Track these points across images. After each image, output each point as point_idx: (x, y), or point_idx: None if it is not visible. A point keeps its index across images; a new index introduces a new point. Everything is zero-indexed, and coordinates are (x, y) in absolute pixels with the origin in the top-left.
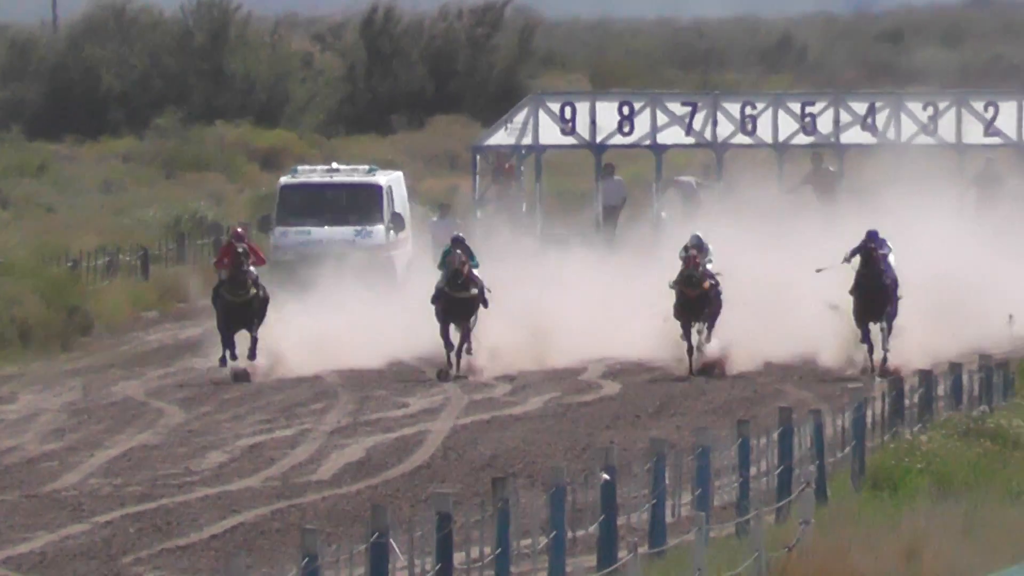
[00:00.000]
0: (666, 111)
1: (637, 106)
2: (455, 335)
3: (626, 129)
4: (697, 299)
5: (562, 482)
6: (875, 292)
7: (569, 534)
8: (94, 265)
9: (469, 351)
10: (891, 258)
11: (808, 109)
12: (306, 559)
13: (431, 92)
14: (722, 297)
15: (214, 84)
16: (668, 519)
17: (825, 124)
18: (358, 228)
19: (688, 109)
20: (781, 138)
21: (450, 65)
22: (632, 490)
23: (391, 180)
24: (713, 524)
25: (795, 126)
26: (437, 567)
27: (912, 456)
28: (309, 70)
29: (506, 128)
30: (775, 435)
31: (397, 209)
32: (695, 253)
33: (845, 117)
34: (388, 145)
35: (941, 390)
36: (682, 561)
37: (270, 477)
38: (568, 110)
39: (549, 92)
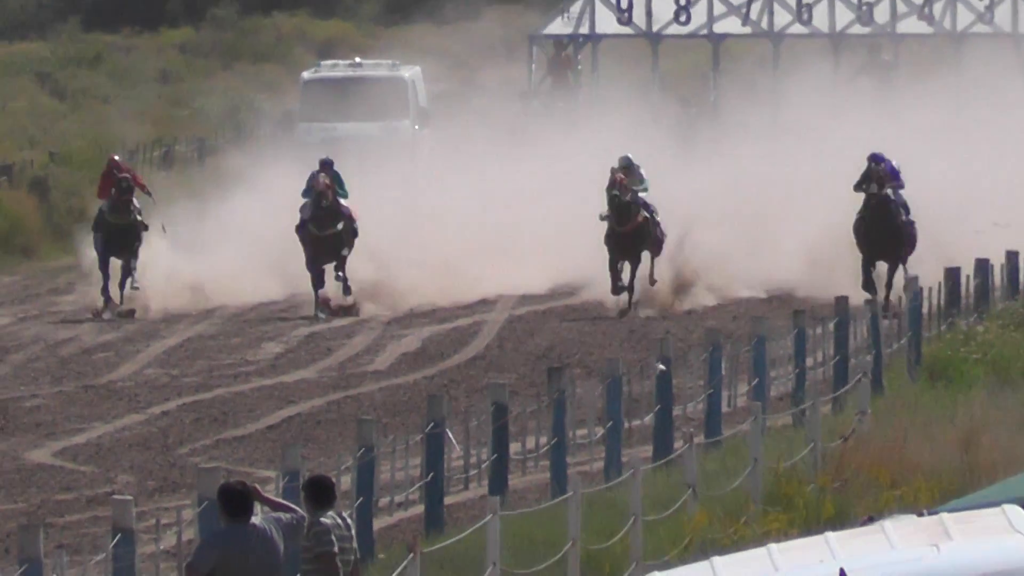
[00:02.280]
0: (723, 1)
1: None
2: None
3: (683, 19)
4: (630, 235)
5: (618, 372)
6: (883, 227)
7: (625, 424)
8: (151, 156)
9: (347, 289)
10: (902, 192)
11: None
12: (362, 449)
13: None
14: (661, 230)
15: None
16: (724, 409)
17: (882, 14)
18: (383, 123)
19: None
20: (838, 28)
21: None
22: (688, 380)
23: (413, 75)
24: (769, 414)
25: (851, 16)
26: (493, 457)
27: (968, 346)
28: None
29: (563, 17)
30: (831, 325)
31: (421, 104)
32: (622, 176)
33: (902, 7)
34: (444, 35)
35: (998, 280)
36: (738, 451)
37: (326, 368)
38: (624, 0)
39: None
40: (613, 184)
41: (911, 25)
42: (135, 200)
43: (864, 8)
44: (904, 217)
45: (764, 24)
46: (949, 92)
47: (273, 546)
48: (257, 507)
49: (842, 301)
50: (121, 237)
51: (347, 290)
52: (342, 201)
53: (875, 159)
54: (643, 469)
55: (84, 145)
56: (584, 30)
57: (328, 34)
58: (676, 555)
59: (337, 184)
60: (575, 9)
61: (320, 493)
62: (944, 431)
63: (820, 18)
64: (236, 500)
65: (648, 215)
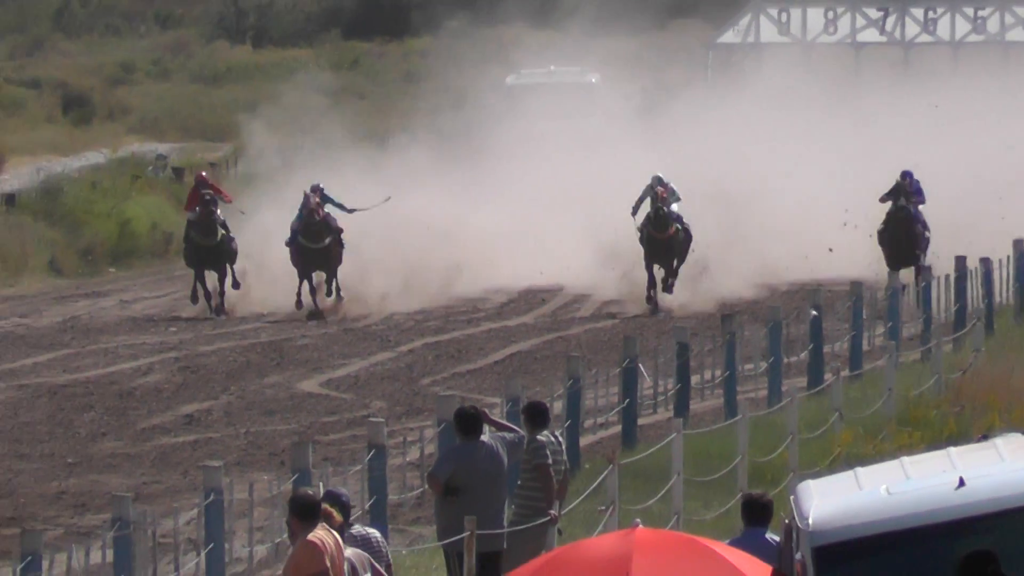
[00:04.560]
0: (864, 15)
1: (840, 11)
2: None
3: (831, 30)
4: (665, 242)
5: (779, 318)
6: (904, 236)
7: (784, 360)
8: (398, 142)
9: (339, 296)
10: (922, 207)
11: (980, 13)
12: (571, 380)
13: None
14: (692, 243)
15: None
16: (865, 348)
17: (993, 24)
18: (575, 122)
19: (881, 13)
20: (957, 37)
21: None
22: (835, 324)
23: (597, 80)
24: (902, 352)
25: (969, 27)
26: (677, 387)
27: None
28: None
29: (733, 29)
30: (952, 279)
31: (604, 104)
32: (663, 189)
33: (1009, 19)
34: (638, 43)
35: None
36: (876, 382)
37: (541, 314)
38: (784, 14)
39: None
40: (657, 198)
41: (1019, 34)
42: (219, 214)
43: (979, 20)
44: (920, 228)
45: (897, 34)
46: None
47: (499, 459)
48: (486, 427)
49: (961, 261)
50: (207, 255)
51: (339, 297)
52: (334, 211)
53: (905, 175)
54: (799, 397)
55: (342, 135)
56: (751, 39)
57: (542, 42)
58: (825, 466)
59: (329, 203)
60: (744, 22)
61: (536, 416)
62: None
63: (943, 28)
64: (468, 421)
65: (679, 227)
